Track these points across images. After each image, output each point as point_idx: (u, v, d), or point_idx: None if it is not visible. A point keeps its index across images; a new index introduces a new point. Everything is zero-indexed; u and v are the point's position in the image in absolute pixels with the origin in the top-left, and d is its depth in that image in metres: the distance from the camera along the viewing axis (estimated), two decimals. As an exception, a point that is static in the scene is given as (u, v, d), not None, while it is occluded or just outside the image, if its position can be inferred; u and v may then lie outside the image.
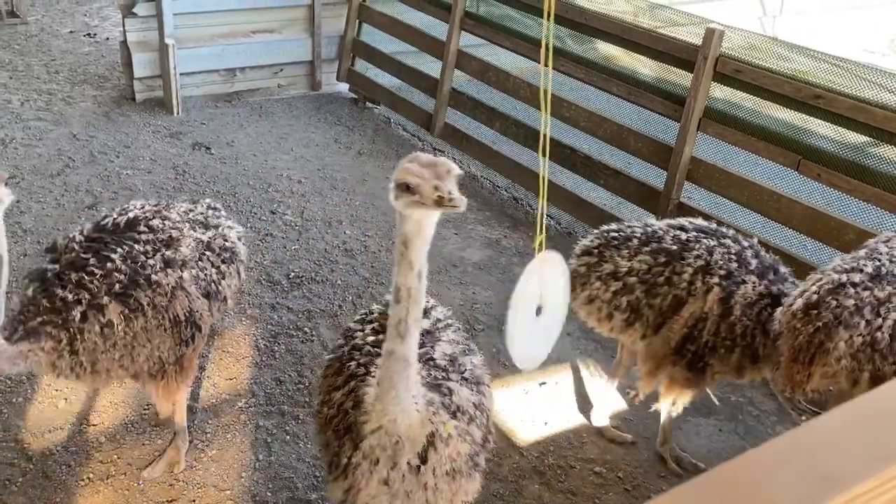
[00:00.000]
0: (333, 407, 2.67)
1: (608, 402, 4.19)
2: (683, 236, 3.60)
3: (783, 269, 3.60)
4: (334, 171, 6.68)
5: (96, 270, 3.12)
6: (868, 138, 4.42)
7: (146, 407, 4.04)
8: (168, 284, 3.25)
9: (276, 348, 4.54)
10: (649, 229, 3.70)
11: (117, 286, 3.12)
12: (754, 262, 3.52)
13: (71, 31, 9.70)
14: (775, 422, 4.27)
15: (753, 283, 3.45)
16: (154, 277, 3.21)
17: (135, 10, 7.39)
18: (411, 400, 2.40)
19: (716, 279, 3.46)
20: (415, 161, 2.12)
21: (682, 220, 3.78)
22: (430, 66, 7.25)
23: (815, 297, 3.11)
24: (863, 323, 3.00)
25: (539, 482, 3.79)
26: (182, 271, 3.33)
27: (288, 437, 3.94)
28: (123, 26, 7.48)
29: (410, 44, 7.52)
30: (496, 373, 4.46)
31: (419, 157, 2.14)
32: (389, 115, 7.89)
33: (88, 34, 9.66)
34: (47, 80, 8.10)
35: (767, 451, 0.89)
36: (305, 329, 4.71)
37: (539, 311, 2.60)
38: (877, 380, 3.01)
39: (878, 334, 2.98)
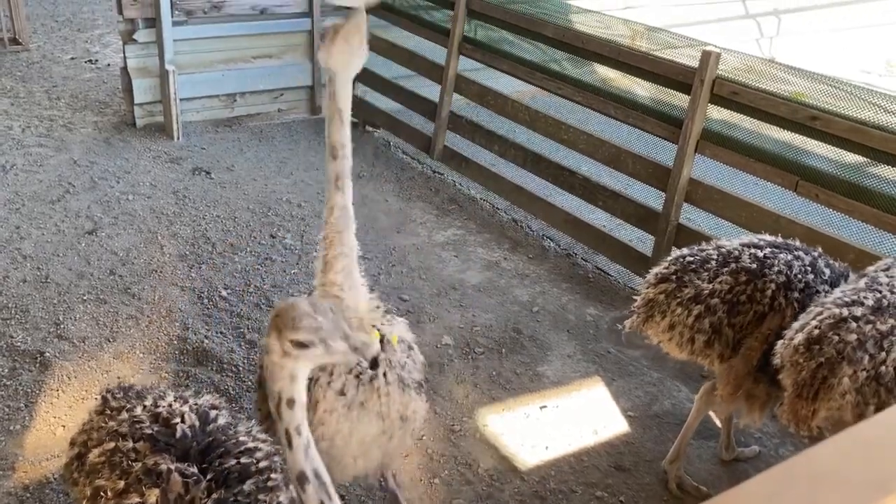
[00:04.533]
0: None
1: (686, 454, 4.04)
2: (760, 253, 3.58)
3: (853, 276, 3.59)
4: (334, 194, 6.68)
5: None
6: (866, 159, 4.43)
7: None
8: None
9: (275, 373, 4.52)
10: (724, 249, 3.68)
11: None
12: (827, 272, 3.53)
13: (72, 58, 9.78)
14: (778, 444, 4.25)
15: (826, 292, 3.44)
16: None
17: (135, 37, 7.46)
18: (359, 275, 2.60)
19: (796, 294, 3.44)
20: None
21: (753, 238, 3.76)
22: (429, 90, 7.30)
23: (816, 331, 3.06)
24: (866, 357, 2.95)
25: (540, 507, 3.75)
26: None
27: (287, 463, 3.91)
28: (124, 52, 7.54)
29: (409, 68, 7.57)
30: (496, 396, 4.45)
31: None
32: (389, 139, 7.93)
33: (89, 60, 9.73)
34: (48, 106, 8.15)
35: (764, 480, 0.88)
36: (305, 353, 4.69)
37: None
38: None
39: (883, 368, 2.92)
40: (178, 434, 2.39)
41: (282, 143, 7.70)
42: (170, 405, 2.52)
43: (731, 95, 4.89)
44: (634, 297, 3.87)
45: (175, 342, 4.71)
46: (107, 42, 10.50)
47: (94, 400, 4.21)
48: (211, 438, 2.37)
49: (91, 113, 8.05)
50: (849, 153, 4.46)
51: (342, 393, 2.59)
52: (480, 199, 6.85)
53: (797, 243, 3.70)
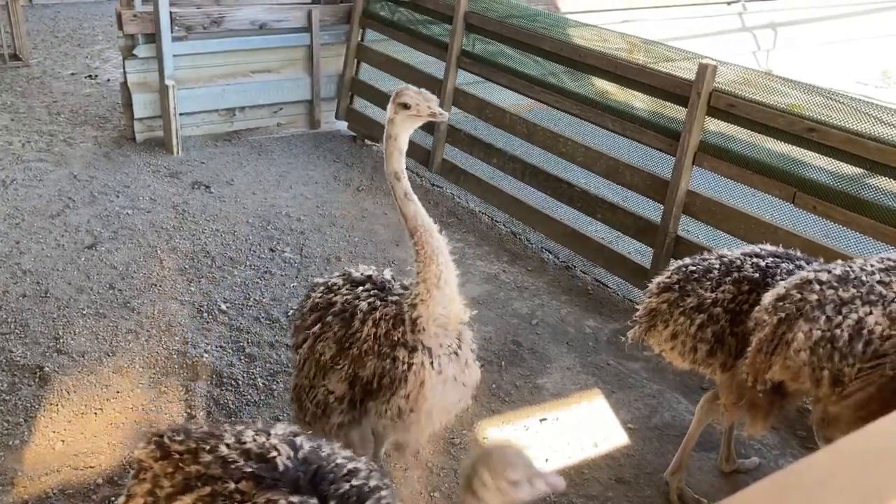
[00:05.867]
0: (368, 340, 3.04)
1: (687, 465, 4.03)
2: (762, 263, 3.61)
3: None
4: (333, 207, 6.71)
5: None
6: (863, 170, 4.45)
7: (144, 448, 4.01)
8: None
9: (274, 387, 4.52)
10: (726, 259, 3.70)
11: None
12: None
13: (72, 73, 9.82)
14: (778, 455, 4.24)
15: None
16: None
17: (135, 52, 7.49)
18: (455, 277, 3.00)
19: None
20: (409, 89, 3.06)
21: (755, 247, 3.79)
22: (428, 103, 7.31)
23: (783, 290, 3.23)
24: (823, 318, 3.08)
25: (541, 520, 3.74)
26: None
27: (287, 477, 3.90)
28: (124, 68, 7.57)
29: (408, 82, 7.56)
30: (496, 409, 4.44)
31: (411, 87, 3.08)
32: (388, 152, 7.94)
33: (89, 76, 9.77)
34: (48, 121, 8.18)
35: (760, 489, 0.88)
36: (304, 367, 4.68)
37: None
38: (838, 381, 3.08)
39: (838, 331, 3.06)
40: (281, 468, 2.27)
41: (281, 157, 7.72)
42: (254, 439, 2.38)
43: (728, 108, 4.92)
44: (634, 309, 3.88)
45: (174, 356, 4.71)
46: (107, 57, 10.54)
47: (93, 415, 4.21)
48: (315, 466, 2.28)
49: (91, 128, 8.08)
50: (846, 164, 4.49)
51: (440, 371, 3.02)
52: (479, 211, 6.86)
53: (798, 253, 3.72)
